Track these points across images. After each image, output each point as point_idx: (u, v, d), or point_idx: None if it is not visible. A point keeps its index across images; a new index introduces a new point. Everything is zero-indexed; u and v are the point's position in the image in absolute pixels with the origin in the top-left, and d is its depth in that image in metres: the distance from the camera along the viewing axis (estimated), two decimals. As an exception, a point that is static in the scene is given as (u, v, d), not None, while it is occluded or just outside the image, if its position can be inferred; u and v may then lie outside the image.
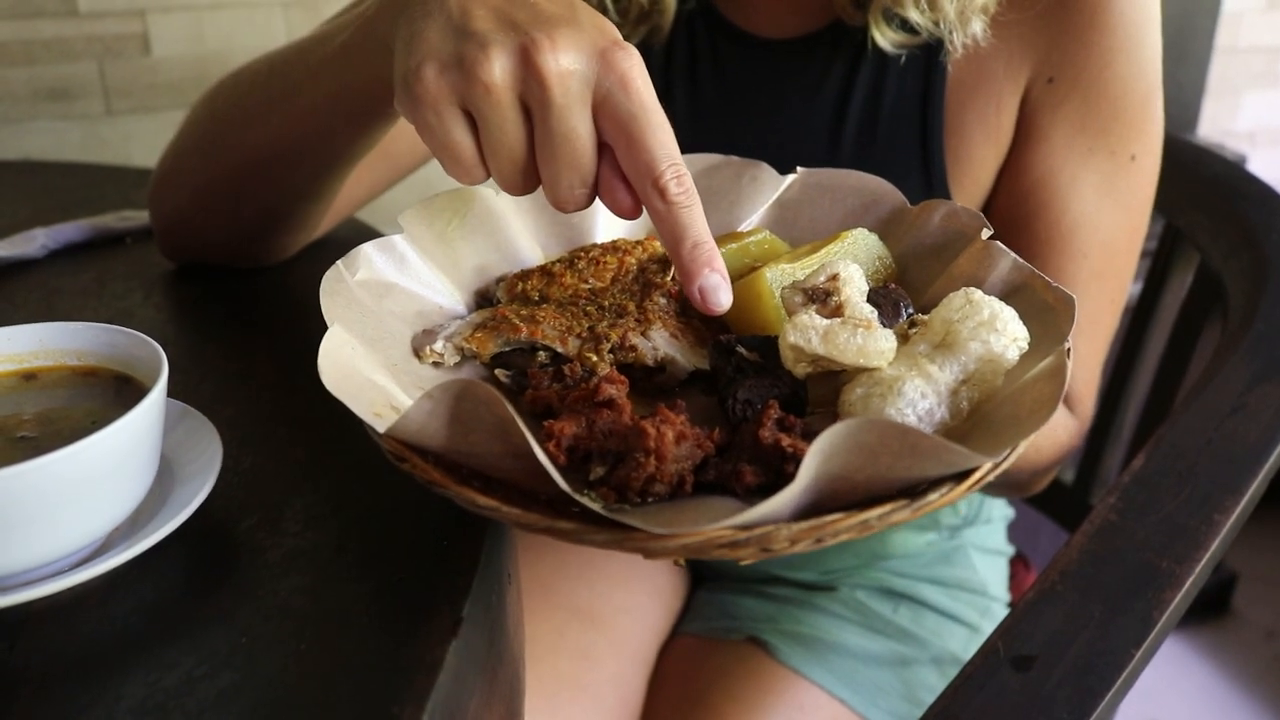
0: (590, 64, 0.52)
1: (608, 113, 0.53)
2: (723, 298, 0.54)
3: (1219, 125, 2.36)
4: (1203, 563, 0.69)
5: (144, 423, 0.48)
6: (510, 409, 0.42)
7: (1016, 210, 0.86)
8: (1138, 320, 1.14)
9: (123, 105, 1.66)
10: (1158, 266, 1.12)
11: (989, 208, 0.90)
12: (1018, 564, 1.11)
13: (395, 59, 0.56)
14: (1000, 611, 0.99)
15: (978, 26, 0.81)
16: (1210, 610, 2.08)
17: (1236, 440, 0.76)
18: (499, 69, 0.51)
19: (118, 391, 0.53)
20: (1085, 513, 1.18)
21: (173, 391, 0.65)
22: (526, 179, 0.56)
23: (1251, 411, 0.78)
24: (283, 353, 0.73)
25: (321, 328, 0.53)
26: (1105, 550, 0.70)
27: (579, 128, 0.53)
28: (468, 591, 0.47)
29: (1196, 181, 1.04)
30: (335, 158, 0.76)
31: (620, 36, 0.54)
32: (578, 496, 0.43)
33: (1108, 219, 0.84)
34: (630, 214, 0.56)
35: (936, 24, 0.82)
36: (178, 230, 0.86)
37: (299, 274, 0.85)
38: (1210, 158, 1.06)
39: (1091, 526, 0.71)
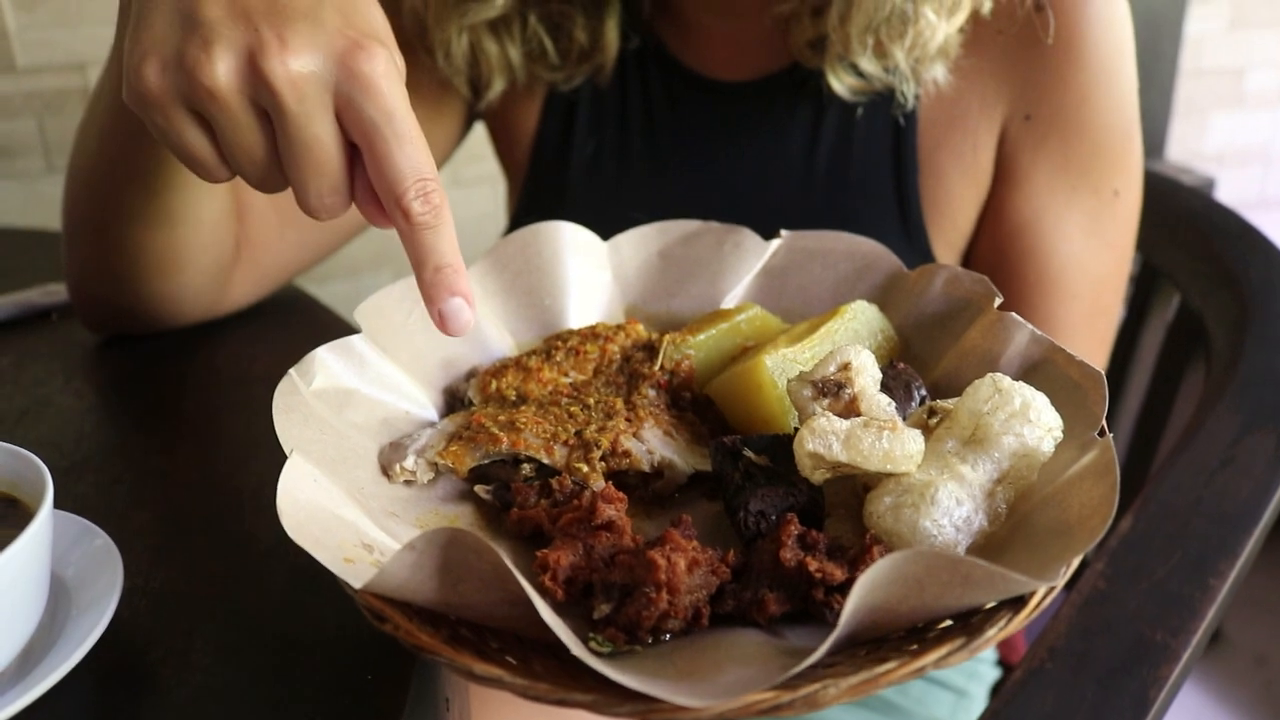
0: (328, 66, 0.47)
1: (351, 120, 0.47)
2: (464, 319, 0.48)
3: (1187, 147, 2.36)
4: (1199, 633, 0.65)
5: (25, 556, 0.42)
6: (504, 559, 0.37)
7: (1002, 254, 0.84)
8: (1118, 359, 1.10)
9: (64, 163, 1.60)
10: (1136, 303, 1.09)
11: (971, 251, 0.87)
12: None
13: (125, 49, 0.49)
14: (988, 673, 0.94)
15: (939, 71, 0.79)
16: (1198, 636, 2.04)
17: (1228, 496, 0.72)
18: (222, 72, 0.46)
19: (2, 516, 0.47)
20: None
21: (84, 495, 0.60)
22: (273, 179, 0.51)
23: (1242, 465, 0.75)
24: (207, 445, 0.68)
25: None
26: (1095, 623, 0.66)
27: (321, 135, 0.47)
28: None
29: (1171, 217, 1.01)
30: (148, 174, 0.71)
31: (375, 29, 0.49)
32: (590, 660, 0.38)
33: (1096, 257, 0.82)
34: (386, 227, 0.50)
35: (888, 71, 0.79)
36: (86, 296, 0.81)
37: (228, 353, 0.80)
38: (1184, 192, 1.03)
39: (1080, 596, 0.67)
